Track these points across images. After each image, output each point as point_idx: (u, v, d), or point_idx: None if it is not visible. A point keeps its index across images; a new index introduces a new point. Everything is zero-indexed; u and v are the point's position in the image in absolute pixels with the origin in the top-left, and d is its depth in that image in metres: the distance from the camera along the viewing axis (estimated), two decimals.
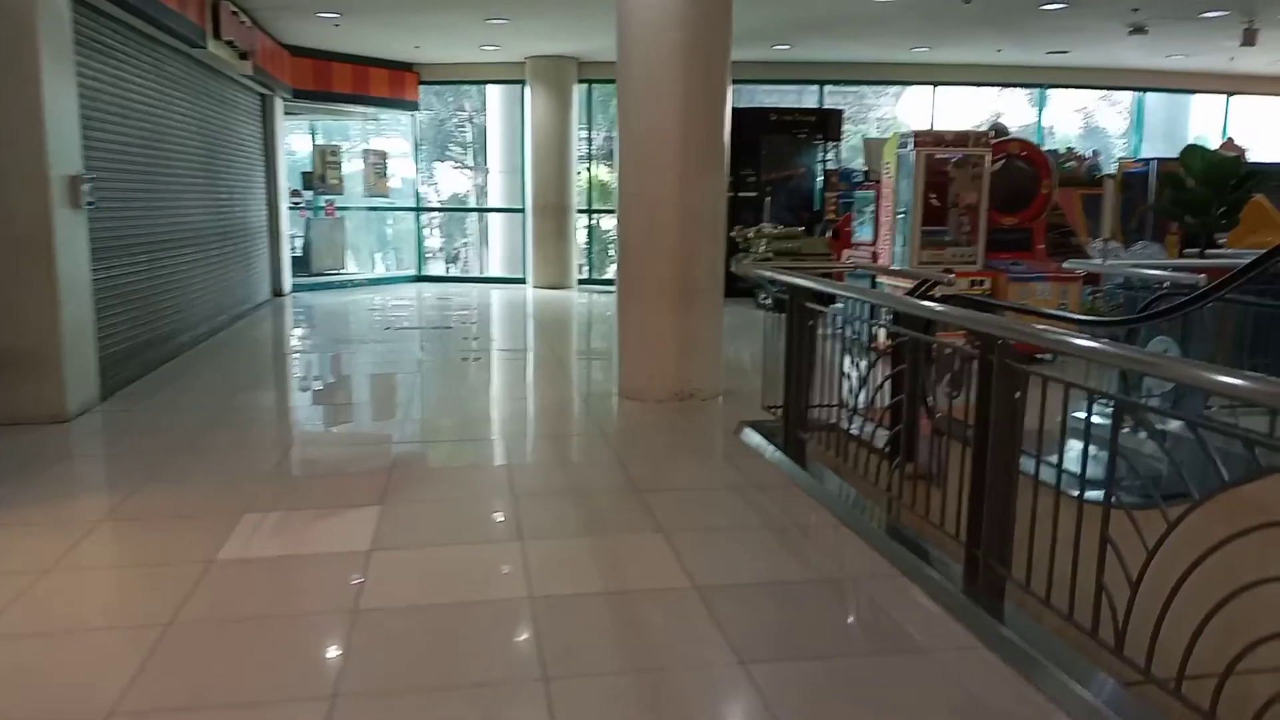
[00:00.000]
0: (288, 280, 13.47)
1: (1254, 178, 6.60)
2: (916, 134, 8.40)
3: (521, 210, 15.56)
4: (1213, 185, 6.58)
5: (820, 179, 14.23)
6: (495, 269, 16.85)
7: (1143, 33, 12.15)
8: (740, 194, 13.52)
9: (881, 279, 8.39)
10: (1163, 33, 12.27)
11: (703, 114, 6.49)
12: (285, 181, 13.59)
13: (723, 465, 5.32)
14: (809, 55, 14.48)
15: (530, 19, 11.88)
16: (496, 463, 5.41)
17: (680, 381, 6.69)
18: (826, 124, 14.12)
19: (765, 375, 5.89)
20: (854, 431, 4.86)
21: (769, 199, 13.75)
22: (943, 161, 8.47)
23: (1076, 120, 19.96)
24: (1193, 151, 6.76)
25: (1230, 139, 16.19)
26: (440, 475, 5.26)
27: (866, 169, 9.43)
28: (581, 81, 14.78)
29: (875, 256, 9.04)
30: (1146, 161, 12.30)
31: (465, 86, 16.79)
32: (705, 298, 6.75)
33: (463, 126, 20.40)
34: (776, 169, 14.39)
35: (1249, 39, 11.77)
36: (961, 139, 8.38)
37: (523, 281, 15.47)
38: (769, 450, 5.40)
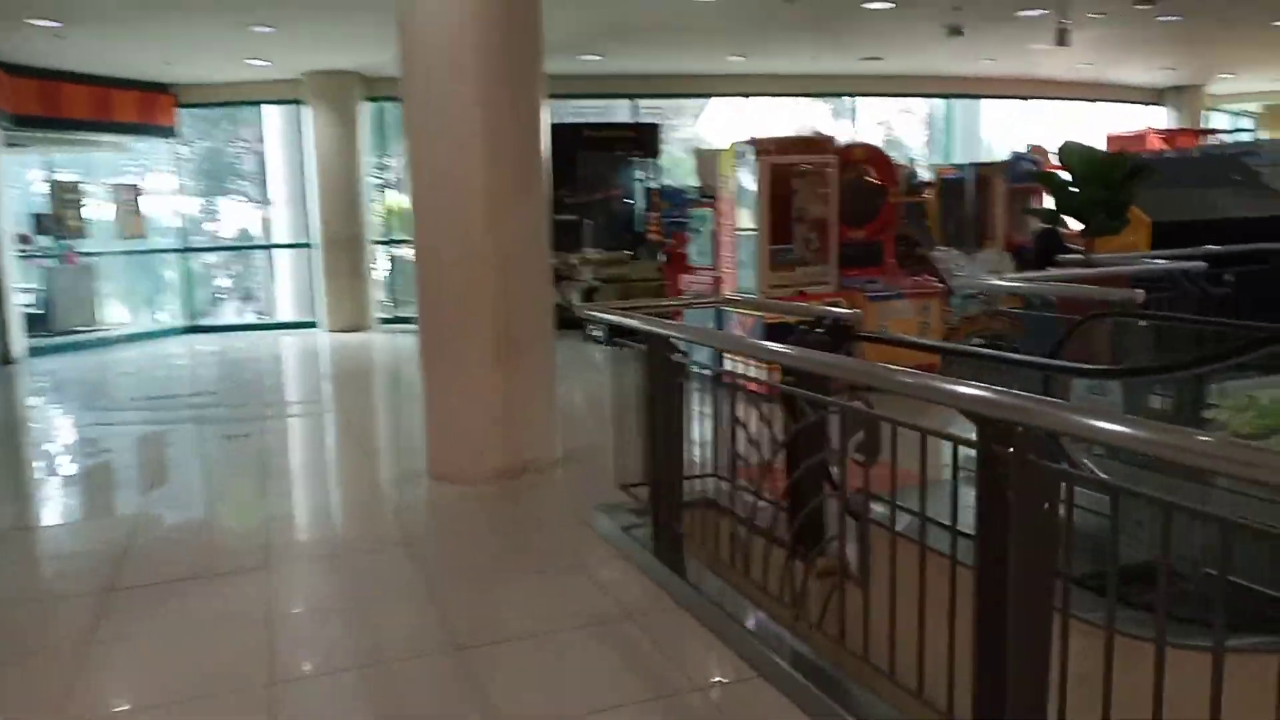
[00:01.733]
0: (18, 343, 11.10)
1: (1142, 173, 5.94)
2: (756, 141, 7.39)
3: (308, 245, 13.70)
4: (1098, 184, 5.88)
5: (640, 198, 13.19)
6: (284, 312, 14.83)
7: (960, 34, 11.80)
8: (557, 217, 12.26)
9: (739, 316, 7.30)
10: (978, 34, 11.97)
11: (513, 127, 5.20)
12: (8, 226, 11.24)
13: (575, 582, 3.96)
14: (620, 67, 13.46)
15: (301, 26, 10.21)
16: (242, 612, 3.73)
17: (508, 454, 5.32)
18: (644, 139, 13.11)
19: (617, 438, 4.56)
20: (744, 510, 3.66)
21: (588, 222, 12.59)
22: (789, 171, 7.49)
23: (879, 132, 19.98)
24: (1071, 148, 6.03)
25: (1036, 145, 16.43)
26: (143, 641, 3.54)
27: (700, 184, 8.35)
28: (370, 100, 13.16)
29: (718, 283, 7.97)
30: (961, 167, 11.98)
31: (236, 108, 14.73)
32: (534, 346, 5.42)
33: (240, 155, 18.22)
34: (594, 189, 13.25)
35: (1063, 39, 11.61)
36: (806, 145, 7.43)
37: (314, 325, 13.58)
38: (634, 549, 4.12)
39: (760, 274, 7.36)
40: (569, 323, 11.49)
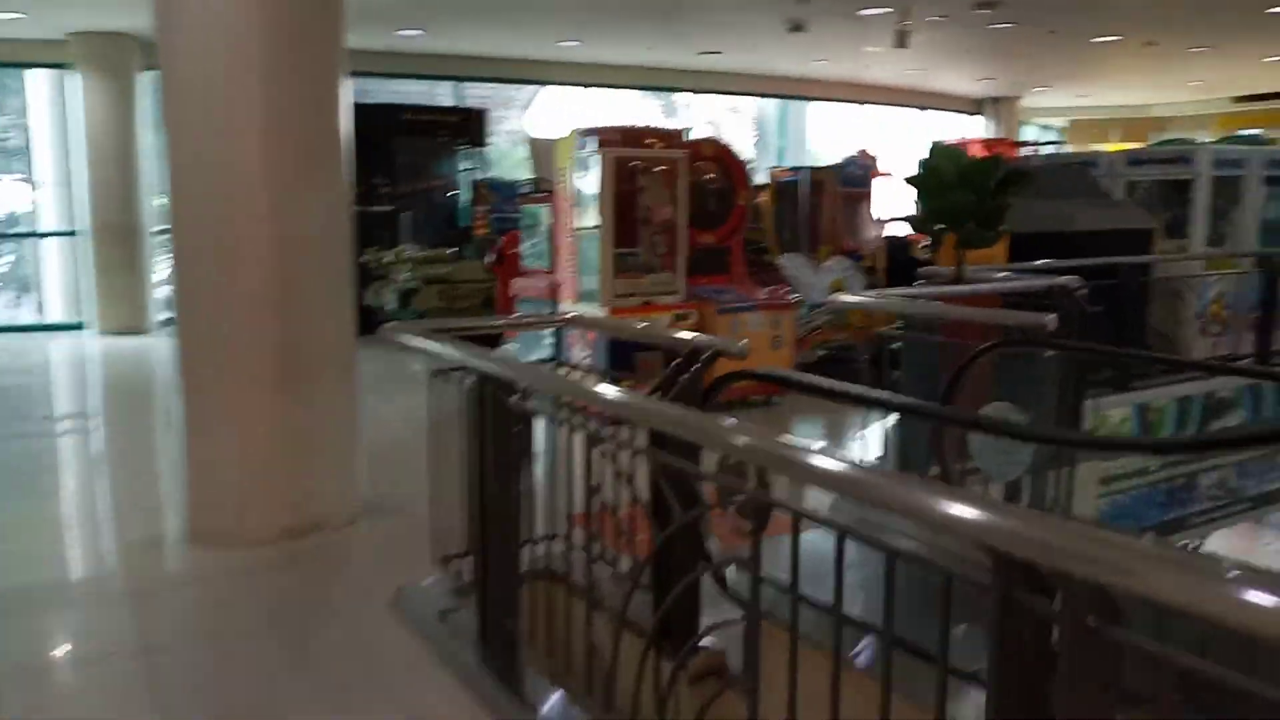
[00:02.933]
0: None
1: (1016, 181, 5.48)
2: (599, 131, 6.55)
3: (74, 233, 11.83)
4: (969, 190, 5.38)
5: (466, 191, 12.12)
6: (52, 311, 12.80)
7: (801, 30, 11.38)
8: (370, 209, 11.04)
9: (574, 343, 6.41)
10: (817, 32, 11.59)
11: (303, 104, 4.15)
12: None
13: (375, 710, 2.94)
14: (445, 45, 12.32)
15: None
16: None
17: (292, 509, 4.24)
18: (470, 126, 12.04)
19: (434, 491, 3.55)
20: (597, 589, 2.80)
21: (407, 215, 11.42)
22: (635, 166, 6.69)
23: (708, 131, 19.62)
24: (941, 150, 5.51)
25: (864, 150, 16.42)
26: None
27: (534, 178, 7.43)
28: (152, 69, 11.46)
29: (555, 288, 7.07)
30: (797, 170, 11.61)
31: None
32: (329, 367, 4.36)
33: (7, 128, 15.80)
34: (414, 179, 12.06)
35: (902, 41, 11.39)
36: (653, 139, 6.64)
37: (81, 327, 11.74)
38: (454, 651, 3.17)
39: (604, 280, 6.52)
40: (382, 324, 10.32)
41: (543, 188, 7.39)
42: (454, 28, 11.31)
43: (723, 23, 11.40)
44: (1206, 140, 13.49)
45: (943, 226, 5.62)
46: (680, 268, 6.84)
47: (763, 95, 16.17)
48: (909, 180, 5.64)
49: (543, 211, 7.26)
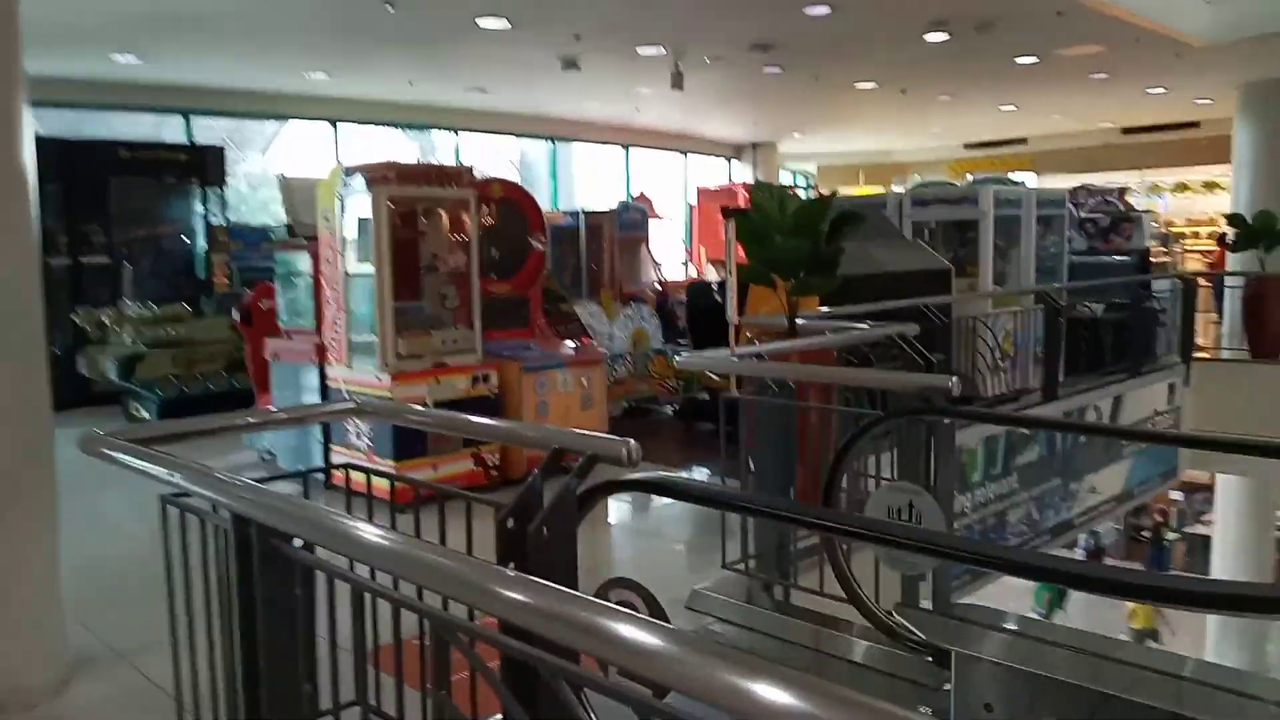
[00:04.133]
0: None
1: (850, 222, 5.04)
2: (369, 168, 5.55)
3: None
4: (801, 234, 4.88)
5: (201, 238, 10.55)
6: None
7: (575, 68, 10.82)
8: (82, 260, 9.31)
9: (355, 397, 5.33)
10: (594, 70, 11.09)
11: None
12: None
13: None
14: (170, 75, 10.73)
15: None
16: None
17: None
18: (203, 164, 10.48)
19: (177, 649, 2.36)
20: None
21: (129, 267, 9.74)
22: (415, 207, 5.75)
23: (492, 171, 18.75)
24: (768, 193, 4.97)
25: (641, 193, 16.16)
26: None
27: (289, 222, 6.27)
28: None
29: (321, 350, 5.93)
30: (575, 214, 11.07)
31: None
32: (14, 475, 3.10)
33: None
34: (137, 225, 10.35)
35: (677, 82, 11.10)
36: (433, 176, 5.72)
37: None
38: None
39: (383, 340, 5.48)
40: (101, 397, 8.63)
41: (300, 233, 6.26)
42: (177, 55, 9.83)
43: (492, 58, 10.64)
44: (954, 182, 14.37)
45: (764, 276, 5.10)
46: (476, 322, 5.93)
47: (531, 136, 15.51)
48: (740, 227, 5.06)
49: (301, 260, 6.12)
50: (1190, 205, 19.38)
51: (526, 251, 6.71)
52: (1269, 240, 10.79)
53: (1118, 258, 10.40)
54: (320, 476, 5.98)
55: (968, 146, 21.06)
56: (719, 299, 7.82)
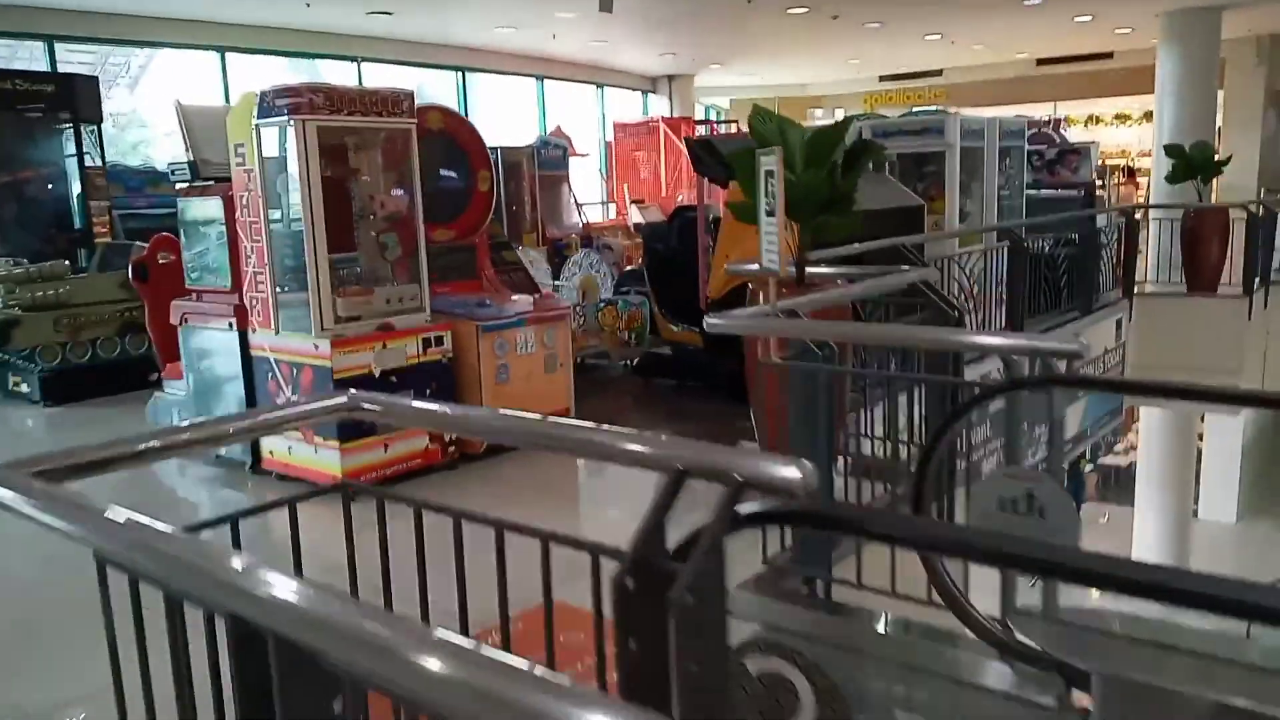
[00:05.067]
0: None
1: (867, 151, 4.43)
2: (290, 91, 4.66)
3: None
4: (813, 168, 4.25)
5: (75, 182, 9.32)
6: None
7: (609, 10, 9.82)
8: None
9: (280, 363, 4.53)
10: None
11: None
12: None
13: None
14: None
15: None
16: None
17: None
18: (73, 97, 9.18)
19: None
20: None
21: None
22: (346, 140, 4.91)
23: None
24: (769, 117, 4.31)
25: (558, 128, 15.22)
26: None
27: (192, 160, 5.32)
28: None
29: (241, 313, 5.07)
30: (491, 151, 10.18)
31: None
32: None
33: None
34: None
35: (606, 4, 10.23)
36: (365, 102, 4.86)
37: None
38: None
39: (318, 301, 4.67)
40: None
41: (205, 173, 5.32)
42: None
43: None
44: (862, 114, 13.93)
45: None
46: (423, 276, 5.14)
47: (437, 67, 14.38)
48: (727, 159, 4.40)
49: (211, 206, 5.19)
50: (1102, 138, 19.47)
51: (470, 192, 5.91)
52: (1206, 172, 10.71)
53: (1069, 191, 10.12)
54: (246, 459, 5.18)
55: (883, 79, 20.72)
56: (681, 245, 7.18)
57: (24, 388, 7.22)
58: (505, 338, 5.32)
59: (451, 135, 5.80)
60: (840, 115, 21.98)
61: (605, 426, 1.71)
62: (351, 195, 5.14)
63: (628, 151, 17.00)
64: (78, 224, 9.29)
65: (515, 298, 5.78)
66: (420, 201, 5.14)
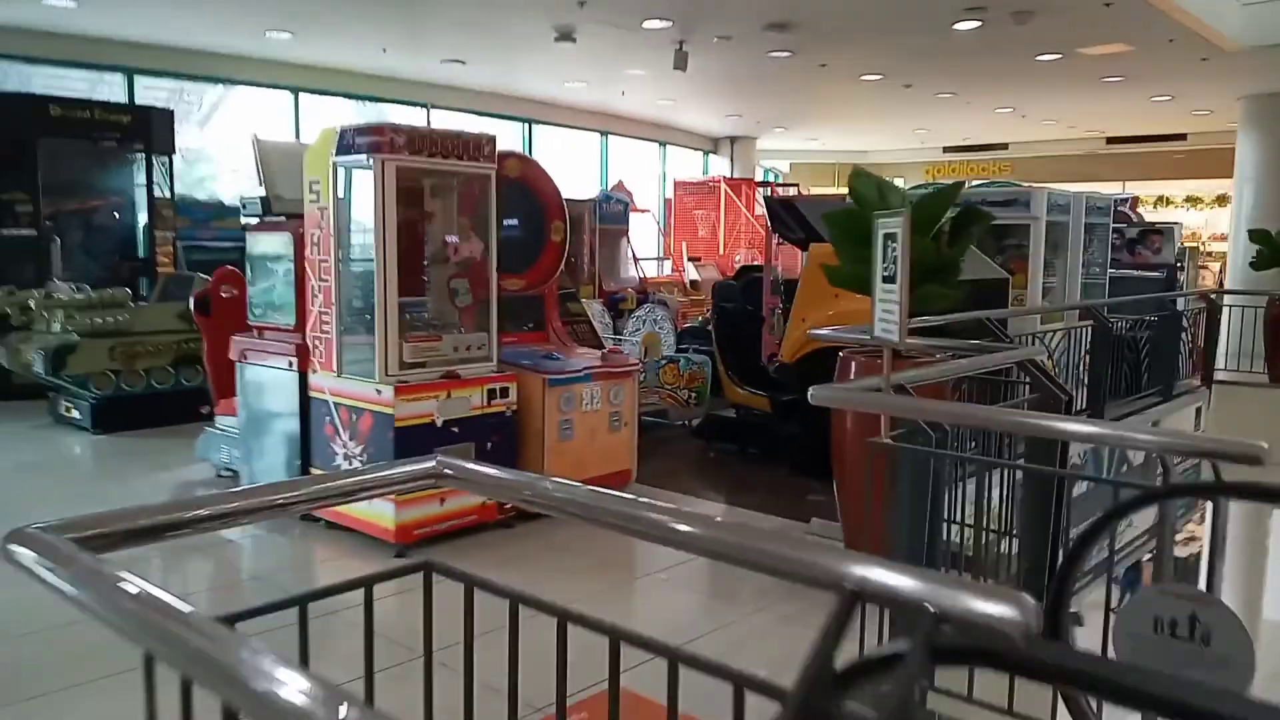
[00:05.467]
0: None
1: (979, 220, 4.19)
2: (373, 130, 4.53)
3: None
4: (921, 232, 4.00)
5: (143, 212, 9.36)
6: None
7: (570, 40, 9.85)
8: (3, 232, 8.12)
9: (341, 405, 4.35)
10: (588, 43, 10.12)
11: None
12: None
13: None
14: (108, 27, 9.50)
15: None
16: None
17: None
18: (148, 128, 9.26)
19: None
20: None
21: (58, 241, 8.56)
22: (423, 182, 4.77)
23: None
24: (869, 180, 4.09)
25: (620, 182, 15.18)
26: None
27: (266, 195, 5.21)
28: None
29: (303, 352, 4.90)
30: None
31: None
32: None
33: None
34: (69, 195, 9.14)
35: (680, 62, 10.19)
36: (451, 145, 4.72)
37: None
38: None
39: (385, 344, 4.48)
40: (25, 392, 7.44)
41: (277, 209, 5.21)
42: (120, 4, 8.64)
43: (476, 24, 9.60)
44: (929, 185, 13.69)
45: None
46: (493, 325, 4.94)
47: (504, 117, 14.43)
48: (833, 223, 4.17)
49: (281, 242, 5.06)
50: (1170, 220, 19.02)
51: (542, 242, 5.74)
52: None
53: (1149, 273, 9.76)
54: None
55: (947, 150, 20.53)
56: (748, 305, 6.95)
57: (75, 414, 7.12)
58: (571, 392, 5.09)
59: (528, 184, 5.65)
60: (901, 184, 21.81)
61: (745, 525, 1.45)
62: (425, 239, 4.98)
63: (687, 209, 16.92)
64: (141, 253, 9.30)
65: (582, 351, 5.57)
66: (495, 249, 4.97)
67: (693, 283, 14.39)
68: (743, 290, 7.26)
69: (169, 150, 9.30)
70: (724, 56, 10.90)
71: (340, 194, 4.66)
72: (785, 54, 10.71)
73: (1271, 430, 9.51)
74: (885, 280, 2.96)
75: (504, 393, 4.86)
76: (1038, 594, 4.00)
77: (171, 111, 9.57)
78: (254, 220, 5.37)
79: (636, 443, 5.51)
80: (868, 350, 4.23)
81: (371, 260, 4.59)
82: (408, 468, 1.85)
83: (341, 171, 4.66)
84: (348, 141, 4.58)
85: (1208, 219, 19.69)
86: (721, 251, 16.30)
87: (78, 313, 6.98)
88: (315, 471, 4.88)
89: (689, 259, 15.17)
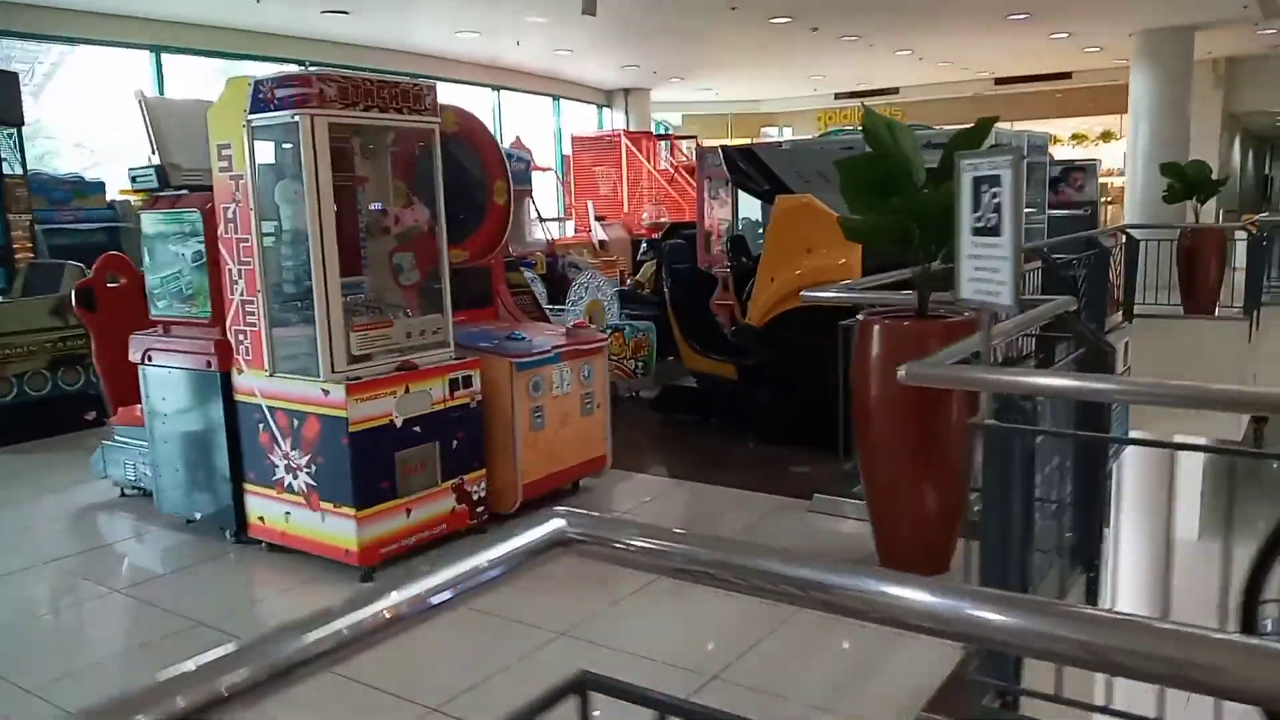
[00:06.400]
0: None
1: None
2: (296, 79, 3.81)
3: None
4: (948, 177, 3.57)
5: None
6: None
7: (593, 14, 9.00)
8: None
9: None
10: None
11: None
12: None
13: None
14: None
15: None
16: None
17: None
18: None
19: None
20: None
21: None
22: (347, 142, 4.09)
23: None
24: (884, 123, 3.60)
25: (518, 139, 14.38)
26: None
27: (157, 164, 4.39)
28: None
29: (226, 349, 4.16)
30: None
31: None
32: None
33: None
34: None
35: (590, 6, 9.48)
36: (388, 94, 4.02)
37: None
38: None
39: (328, 336, 3.79)
40: None
41: (175, 182, 4.40)
42: None
43: None
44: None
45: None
46: (447, 304, 4.29)
47: (390, 73, 13.37)
48: (847, 171, 3.69)
49: (185, 221, 4.26)
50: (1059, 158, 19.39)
51: (484, 206, 5.09)
52: (1204, 191, 10.43)
53: (1075, 210, 9.71)
54: (227, 524, 4.29)
55: (839, 96, 20.40)
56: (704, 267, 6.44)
57: None
58: (540, 375, 4.51)
59: (465, 139, 4.98)
60: (790, 133, 21.61)
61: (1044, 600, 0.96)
62: (358, 208, 4.28)
63: (586, 166, 16.23)
64: None
65: (544, 328, 4.98)
66: (443, 216, 4.31)
67: (601, 243, 13.81)
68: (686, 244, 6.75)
69: (17, 121, 8.12)
70: None
71: (258, 155, 3.92)
72: None
73: (1188, 357, 9.61)
74: (981, 233, 2.49)
75: (466, 382, 4.24)
76: (1089, 565, 3.65)
77: (16, 75, 8.36)
78: (145, 196, 4.53)
79: (609, 426, 4.97)
80: (890, 312, 3.80)
81: (297, 236, 3.90)
82: (528, 540, 1.28)
83: (260, 131, 3.91)
84: (264, 95, 3.83)
85: (1095, 155, 20.17)
86: (626, 209, 15.72)
87: None
88: (251, 489, 4.17)
89: (595, 218, 14.57)
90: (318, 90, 3.74)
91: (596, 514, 1.31)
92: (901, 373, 2.41)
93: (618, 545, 1.29)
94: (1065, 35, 13.52)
